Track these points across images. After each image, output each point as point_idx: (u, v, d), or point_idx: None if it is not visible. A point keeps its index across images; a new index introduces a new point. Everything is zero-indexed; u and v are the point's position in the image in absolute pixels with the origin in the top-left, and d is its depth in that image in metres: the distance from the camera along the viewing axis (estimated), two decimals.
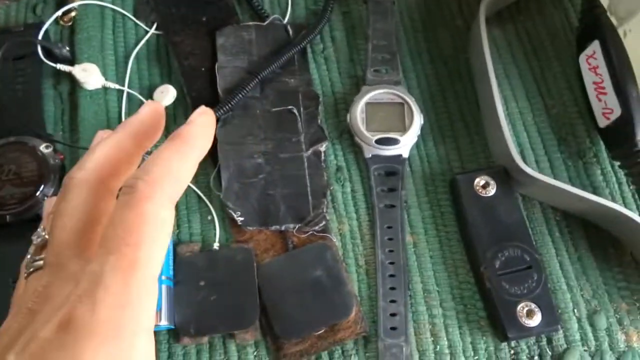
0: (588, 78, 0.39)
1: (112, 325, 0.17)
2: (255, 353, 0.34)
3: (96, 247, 0.19)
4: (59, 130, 0.40)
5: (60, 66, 0.39)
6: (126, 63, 0.41)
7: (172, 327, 0.33)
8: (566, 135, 0.39)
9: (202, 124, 0.21)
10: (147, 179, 0.19)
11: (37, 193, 0.35)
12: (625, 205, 0.37)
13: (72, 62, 0.40)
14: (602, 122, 0.37)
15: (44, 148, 0.37)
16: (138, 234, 0.18)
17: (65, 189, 0.21)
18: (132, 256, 0.18)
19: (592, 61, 0.38)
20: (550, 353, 0.33)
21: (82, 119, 0.39)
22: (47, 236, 0.21)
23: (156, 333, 0.34)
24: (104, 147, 0.21)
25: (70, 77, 0.40)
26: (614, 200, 0.37)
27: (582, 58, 0.39)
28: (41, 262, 0.21)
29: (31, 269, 0.21)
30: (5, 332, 0.18)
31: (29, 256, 0.22)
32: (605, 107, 0.37)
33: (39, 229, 0.23)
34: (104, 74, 0.40)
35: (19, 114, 0.38)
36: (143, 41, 0.42)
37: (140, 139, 0.22)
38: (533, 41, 0.42)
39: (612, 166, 0.38)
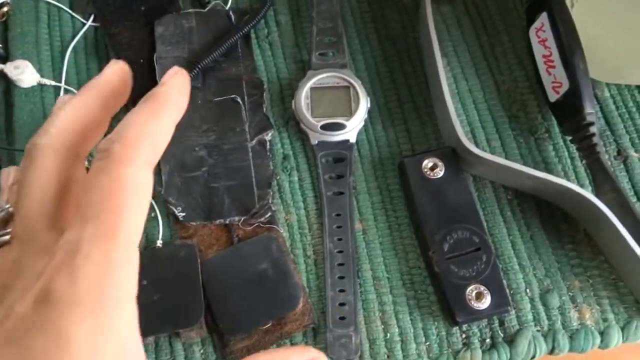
0: (538, 51, 0.38)
1: (95, 294, 0.16)
2: (202, 351, 0.33)
3: (70, 216, 0.18)
4: None
5: None
6: (63, 58, 0.40)
7: None
8: (517, 112, 0.38)
9: (176, 84, 0.20)
10: (123, 141, 0.17)
11: None
12: (578, 180, 0.36)
13: (6, 59, 0.39)
14: (552, 97, 0.36)
15: None
16: (117, 199, 0.17)
17: (29, 156, 0.19)
18: (112, 222, 0.17)
19: (541, 34, 0.37)
20: (502, 335, 0.33)
21: (18, 119, 0.37)
22: (11, 209, 0.20)
23: None
24: (69, 110, 0.20)
25: (4, 75, 0.38)
26: (566, 175, 0.37)
27: (532, 31, 0.38)
28: (7, 237, 0.19)
29: None
30: None
31: None
32: (555, 80, 0.36)
33: (0, 203, 0.21)
34: (40, 70, 0.39)
35: None
36: (80, 34, 0.40)
37: (107, 100, 0.20)
38: (483, 16, 0.41)
39: (564, 141, 0.37)
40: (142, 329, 0.33)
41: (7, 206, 0.20)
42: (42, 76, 0.39)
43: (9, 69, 0.38)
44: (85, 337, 0.15)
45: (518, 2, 0.41)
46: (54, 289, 0.16)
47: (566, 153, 0.37)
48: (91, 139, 0.20)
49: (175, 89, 0.20)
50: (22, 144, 0.37)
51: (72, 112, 0.20)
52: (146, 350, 0.33)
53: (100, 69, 0.39)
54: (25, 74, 0.38)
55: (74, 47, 0.40)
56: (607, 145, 0.37)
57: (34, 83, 0.38)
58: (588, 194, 0.32)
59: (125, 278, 0.17)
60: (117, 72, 0.21)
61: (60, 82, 0.39)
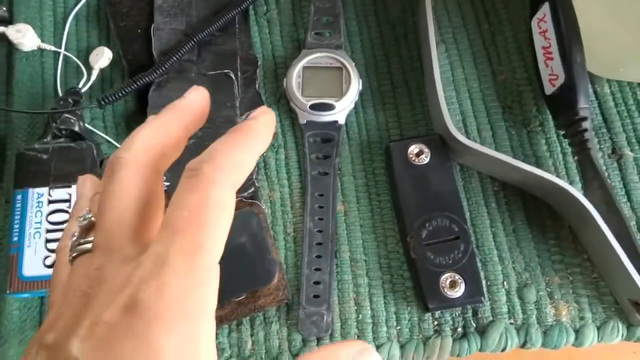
0: (538, 42, 0.37)
1: (180, 307, 0.16)
2: None
3: (156, 229, 0.19)
4: None
5: None
6: (64, 24, 0.40)
7: None
8: (512, 103, 0.37)
9: (264, 122, 0.21)
10: (213, 164, 0.18)
11: None
12: (568, 176, 0.36)
13: (10, 22, 0.40)
14: (549, 89, 0.36)
15: None
16: (204, 217, 0.17)
17: (112, 169, 0.20)
18: (198, 239, 0.17)
19: (542, 24, 0.36)
20: (474, 325, 0.33)
21: (17, 81, 0.38)
22: (93, 218, 0.20)
23: None
24: (152, 128, 0.21)
25: (6, 38, 0.39)
26: (556, 171, 0.36)
27: (534, 21, 0.37)
28: (89, 245, 0.20)
29: (76, 253, 0.20)
30: (59, 318, 0.18)
31: (74, 238, 0.21)
32: (552, 73, 0.35)
33: (84, 211, 0.21)
34: (41, 35, 0.40)
35: None
36: (82, 2, 0.41)
37: (187, 123, 0.22)
38: (485, 3, 0.40)
39: (558, 136, 0.37)
40: None
41: (89, 215, 0.21)
42: (42, 41, 0.39)
43: (11, 32, 0.38)
44: (173, 348, 0.16)
45: None
46: (141, 299, 0.16)
47: (558, 148, 0.36)
48: (170, 157, 0.22)
49: (262, 126, 0.21)
50: (21, 106, 0.38)
51: (155, 131, 0.21)
52: None
53: (99, 37, 0.40)
54: (26, 37, 0.38)
55: (75, 14, 0.41)
56: (602, 143, 0.36)
57: (34, 47, 0.39)
58: (574, 190, 0.32)
59: (208, 295, 0.17)
60: (199, 98, 0.23)
61: (60, 47, 0.40)
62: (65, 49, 0.40)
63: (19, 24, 0.39)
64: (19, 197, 0.34)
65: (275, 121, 0.22)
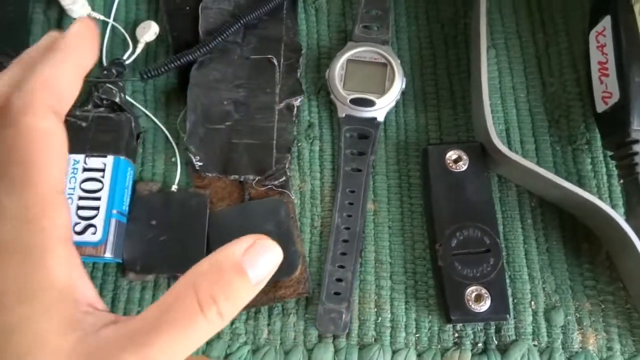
0: (594, 57, 0.35)
1: (18, 243, 0.16)
2: None
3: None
4: None
5: None
6: None
7: (120, 261, 0.34)
8: (559, 118, 0.36)
9: (76, 33, 0.20)
10: (20, 93, 0.18)
11: None
12: (611, 200, 0.34)
13: None
14: (600, 107, 0.34)
15: None
16: (23, 151, 0.17)
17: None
18: (23, 175, 0.17)
19: (601, 38, 0.35)
20: (496, 342, 0.32)
21: None
22: None
23: (104, 265, 0.34)
24: (6, 72, 0.20)
25: (59, 4, 0.40)
26: (599, 192, 0.34)
27: (592, 35, 0.36)
28: None
29: None
30: None
31: None
32: (606, 90, 0.34)
33: None
34: (92, 4, 0.40)
35: (5, 36, 0.39)
36: None
37: (79, 60, 0.20)
38: (543, 12, 0.38)
39: (605, 156, 0.35)
40: (144, 266, 0.34)
41: None
42: (93, 9, 0.40)
43: None
44: (12, 282, 0.16)
45: (585, 1, 0.38)
46: None
47: (604, 169, 0.35)
48: (66, 100, 0.20)
49: (74, 38, 0.20)
50: None
51: (48, 71, 0.19)
52: (145, 288, 0.34)
53: (148, 10, 0.40)
54: (76, 4, 0.39)
55: None
56: None
57: (84, 15, 0.39)
58: (616, 214, 0.30)
59: (50, 224, 0.17)
60: (84, 29, 0.21)
61: (109, 18, 0.40)
62: (114, 20, 0.40)
63: None
64: None
65: (96, 29, 0.20)
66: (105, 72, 0.36)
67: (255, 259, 0.19)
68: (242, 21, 0.37)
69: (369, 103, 0.36)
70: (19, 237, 0.16)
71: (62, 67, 0.19)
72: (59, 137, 0.18)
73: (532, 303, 0.32)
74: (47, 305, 0.16)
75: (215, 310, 0.17)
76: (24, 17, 0.40)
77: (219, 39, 0.37)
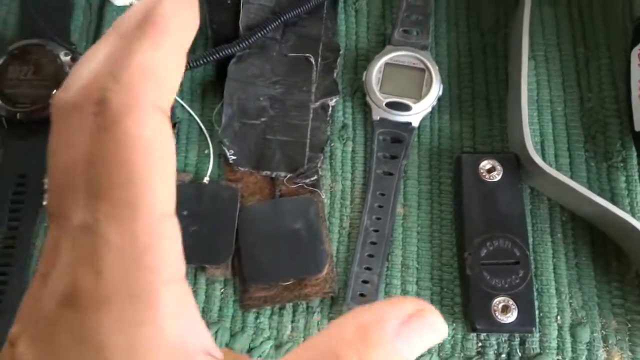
0: (635, 75, 0.35)
1: (123, 288, 0.13)
2: (222, 290, 0.34)
3: (83, 194, 0.15)
4: (83, 41, 0.40)
5: None
6: None
7: None
8: (596, 133, 0.36)
9: (170, 4, 0.15)
10: (118, 87, 0.14)
11: (49, 98, 0.37)
12: None
13: None
14: (638, 126, 0.34)
15: (63, 55, 0.37)
16: (125, 166, 0.13)
17: (53, 119, 0.15)
18: (127, 197, 0.13)
19: None
20: (520, 354, 0.32)
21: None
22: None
23: None
24: (91, 55, 0.15)
25: None
26: (632, 211, 0.34)
27: (635, 52, 0.35)
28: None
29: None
30: (23, 305, 0.15)
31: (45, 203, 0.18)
32: None
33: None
34: None
35: (48, 20, 0.39)
36: None
37: (182, 35, 0.15)
38: (585, 26, 0.38)
39: None
40: None
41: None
42: None
43: None
44: (120, 339, 0.13)
45: (627, 18, 0.38)
46: (78, 286, 0.13)
47: (638, 188, 0.34)
48: (169, 87, 0.15)
49: (171, 6, 0.15)
50: None
51: (96, 55, 0.15)
52: None
53: None
54: None
55: None
56: None
57: (127, 3, 0.40)
58: None
59: (161, 261, 0.14)
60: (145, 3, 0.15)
61: None
62: None
63: None
64: None
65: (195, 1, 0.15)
66: None
67: (411, 337, 0.15)
68: (282, 18, 0.38)
69: (405, 107, 0.36)
70: (125, 278, 0.13)
71: (163, 48, 0.14)
72: (167, 144, 0.14)
73: (559, 317, 0.32)
74: None
75: None
76: (67, 2, 0.40)
77: (259, 34, 0.37)
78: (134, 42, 0.14)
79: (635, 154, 0.35)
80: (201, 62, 0.36)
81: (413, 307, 0.15)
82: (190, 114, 0.38)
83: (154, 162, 0.13)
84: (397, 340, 0.15)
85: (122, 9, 0.40)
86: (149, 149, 0.13)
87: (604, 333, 0.32)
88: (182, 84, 0.38)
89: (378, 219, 0.35)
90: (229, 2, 0.39)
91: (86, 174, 0.14)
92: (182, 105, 0.38)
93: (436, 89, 0.36)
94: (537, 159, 0.32)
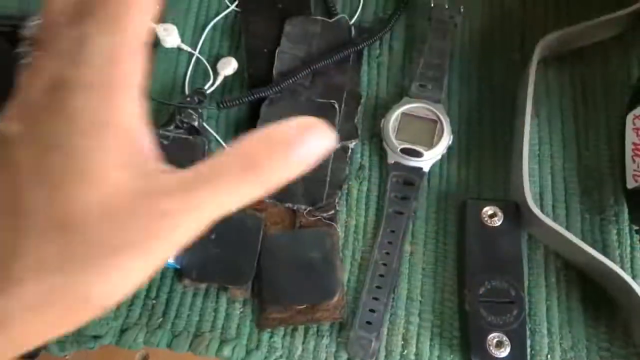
0: (629, 137, 0.38)
1: (102, 81, 0.17)
2: (241, 309, 0.37)
3: (74, 16, 0.18)
4: None
5: None
6: (203, 31, 0.46)
7: (178, 267, 0.38)
8: (591, 189, 0.39)
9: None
10: None
11: None
12: (633, 270, 0.37)
13: (158, 19, 0.46)
14: (631, 184, 0.37)
15: None
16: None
17: None
18: (115, 16, 0.17)
19: (637, 122, 0.38)
20: None
21: (154, 73, 0.44)
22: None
23: (163, 269, 0.39)
24: None
25: (154, 33, 0.45)
26: (622, 263, 0.37)
27: (630, 117, 0.39)
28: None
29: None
30: (15, 96, 0.18)
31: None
32: (637, 169, 0.37)
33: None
34: (182, 36, 0.45)
35: None
36: (222, 14, 0.46)
37: None
38: (586, 90, 0.42)
39: (630, 230, 0.38)
40: (199, 275, 0.38)
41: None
42: (182, 41, 0.45)
43: (159, 29, 0.44)
44: (90, 112, 0.17)
45: (626, 85, 0.42)
46: (64, 76, 0.17)
47: (628, 241, 0.37)
48: None
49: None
50: (152, 94, 0.43)
51: None
52: (196, 295, 0.38)
53: (230, 47, 0.45)
54: (170, 36, 0.44)
55: (214, 24, 0.46)
56: None
57: (174, 45, 0.45)
58: (635, 284, 0.33)
59: (130, 69, 0.17)
60: None
61: (195, 50, 0.45)
62: (199, 53, 0.45)
63: (167, 24, 0.45)
64: None
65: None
66: (188, 98, 0.41)
67: (306, 139, 0.19)
68: (311, 67, 0.42)
69: (418, 154, 0.39)
70: (102, 73, 0.17)
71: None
72: None
73: (549, 356, 0.35)
74: (110, 140, 0.17)
75: (259, 176, 0.18)
76: None
77: (290, 80, 0.42)
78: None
79: (626, 209, 0.38)
80: (237, 102, 0.41)
81: (307, 120, 0.20)
82: (224, 148, 0.42)
83: None
84: (294, 141, 0.19)
85: (170, 51, 0.45)
86: None
87: None
88: (218, 121, 0.43)
89: (387, 253, 0.38)
90: (265, 50, 0.44)
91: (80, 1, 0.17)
92: (218, 140, 0.42)
93: (447, 139, 0.40)
94: (535, 209, 0.36)
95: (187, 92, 0.43)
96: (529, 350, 0.35)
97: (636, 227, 0.37)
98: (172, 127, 0.40)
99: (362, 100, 0.43)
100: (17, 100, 0.18)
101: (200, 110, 0.41)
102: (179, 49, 0.45)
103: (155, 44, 0.45)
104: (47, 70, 0.17)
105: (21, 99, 0.18)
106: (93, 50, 0.17)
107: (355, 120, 0.42)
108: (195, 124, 0.40)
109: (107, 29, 0.17)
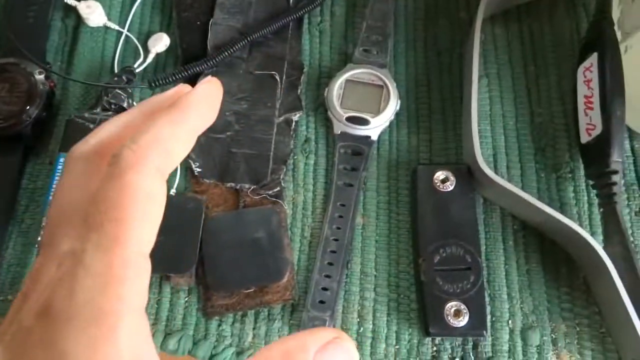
0: (581, 91, 0.37)
1: (92, 308, 0.15)
2: (186, 299, 0.35)
3: (77, 226, 0.17)
4: (58, 60, 0.42)
5: (67, 0, 0.41)
6: (131, 7, 0.43)
7: None
8: (545, 146, 0.38)
9: (203, 93, 0.19)
10: (134, 147, 0.17)
11: (22, 114, 0.38)
12: (591, 227, 0.35)
13: None
14: (584, 138, 0.36)
15: (37, 74, 0.39)
16: (121, 208, 0.16)
17: (65, 165, 0.20)
18: (115, 233, 0.16)
19: (587, 74, 0.37)
20: (472, 357, 0.33)
21: (79, 53, 0.41)
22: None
23: None
24: (112, 122, 0.20)
25: (77, 12, 0.42)
26: (580, 220, 0.36)
27: (580, 69, 0.37)
28: None
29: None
30: (6, 317, 0.17)
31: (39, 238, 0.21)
32: (590, 122, 0.35)
33: None
34: (109, 14, 0.42)
35: (25, 39, 0.41)
36: None
37: (198, 121, 0.20)
38: (535, 46, 0.40)
39: (587, 186, 0.36)
40: None
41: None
42: (109, 19, 0.42)
43: (82, 7, 0.41)
44: (82, 353, 0.15)
45: (575, 39, 0.40)
46: (54, 301, 0.16)
47: (585, 197, 0.36)
48: (175, 156, 0.19)
49: (199, 98, 0.19)
50: (78, 76, 0.40)
51: (116, 124, 0.20)
52: None
53: (161, 23, 0.42)
54: (94, 14, 0.41)
55: None
56: (632, 200, 0.36)
57: (100, 24, 0.42)
58: (594, 241, 0.32)
59: (129, 291, 0.16)
60: (174, 92, 0.20)
61: (123, 28, 0.42)
62: (128, 30, 0.42)
63: (90, 1, 0.41)
64: (61, 160, 0.36)
65: (221, 92, 0.20)
66: (115, 78, 0.38)
67: None
68: (249, 38, 0.39)
69: (364, 122, 0.37)
70: (96, 299, 0.16)
71: (180, 128, 0.18)
72: (160, 199, 0.17)
73: (510, 322, 0.34)
74: None
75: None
76: (44, 23, 0.42)
77: (226, 53, 0.39)
78: (157, 117, 0.18)
79: (582, 165, 0.37)
80: (170, 79, 0.38)
81: (331, 335, 0.18)
82: None
83: (145, 210, 0.17)
84: None
85: (96, 31, 0.42)
86: (144, 200, 0.17)
87: (554, 337, 0.33)
88: None
89: (338, 228, 0.36)
90: (198, 23, 0.41)
91: (85, 210, 0.17)
92: None
93: (394, 104, 0.38)
94: (488, 171, 0.34)
95: (115, 72, 0.40)
96: (489, 317, 0.33)
97: (592, 182, 0.35)
98: (98, 110, 0.37)
99: (305, 70, 0.40)
100: (8, 320, 0.17)
101: (130, 90, 0.38)
102: (106, 27, 0.42)
103: (79, 24, 0.42)
104: (44, 280, 0.17)
105: (13, 320, 0.17)
106: (87, 271, 0.16)
107: (299, 92, 0.40)
108: (125, 104, 0.37)
109: (104, 245, 0.16)
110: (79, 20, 0.42)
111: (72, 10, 0.43)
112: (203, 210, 0.36)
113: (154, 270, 0.35)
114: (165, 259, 0.35)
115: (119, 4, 0.43)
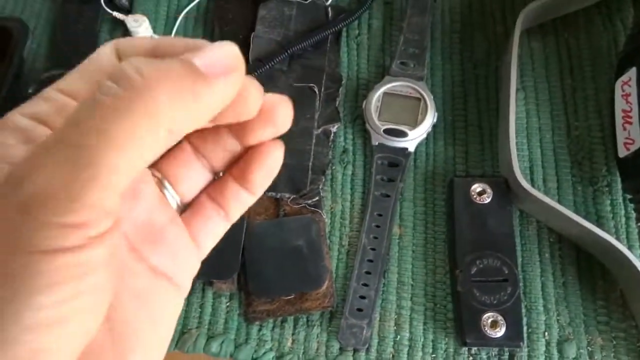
0: (619, 105, 0.37)
1: None
2: (228, 304, 0.36)
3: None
4: None
5: (115, 14, 0.43)
6: (175, 21, 0.44)
7: None
8: (582, 160, 0.38)
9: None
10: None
11: None
12: (629, 241, 0.36)
13: (129, 11, 0.44)
14: (622, 152, 0.36)
15: None
16: None
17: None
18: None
19: (626, 88, 0.37)
20: None
21: None
22: None
23: None
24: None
25: (125, 25, 0.44)
26: (617, 234, 0.36)
27: (618, 83, 0.38)
28: None
29: None
30: None
31: None
32: (628, 137, 0.36)
33: None
34: (154, 27, 0.44)
35: (74, 50, 0.43)
36: (194, 2, 0.45)
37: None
38: (572, 59, 0.41)
39: (624, 199, 0.37)
40: None
41: None
42: (154, 32, 0.44)
43: (129, 20, 0.43)
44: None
45: (613, 52, 0.41)
46: None
47: (622, 211, 0.36)
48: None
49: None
50: None
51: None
52: None
53: (203, 37, 0.43)
54: (141, 27, 0.43)
55: (186, 13, 0.45)
56: None
57: (148, 35, 0.43)
58: (631, 255, 0.32)
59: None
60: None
61: None
62: None
63: (137, 15, 0.43)
64: None
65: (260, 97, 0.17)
66: None
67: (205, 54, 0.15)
68: (288, 51, 0.41)
69: (402, 134, 0.38)
70: None
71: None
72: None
73: (546, 334, 0.34)
74: None
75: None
76: (93, 35, 0.44)
77: (267, 65, 0.40)
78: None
79: (619, 178, 0.37)
80: None
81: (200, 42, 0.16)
82: None
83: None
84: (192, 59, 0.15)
85: None
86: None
87: (590, 349, 0.34)
88: None
89: (375, 238, 0.37)
90: (240, 37, 0.43)
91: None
92: None
93: (431, 117, 0.39)
94: (525, 184, 0.34)
95: None
96: (525, 328, 0.34)
97: (629, 196, 0.35)
98: None
99: (343, 82, 0.41)
100: None
101: None
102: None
103: (125, 36, 0.44)
104: None
105: None
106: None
107: (337, 103, 0.41)
108: None
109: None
110: (126, 33, 0.44)
111: (119, 24, 0.44)
112: (245, 218, 0.37)
113: (198, 275, 0.36)
114: (208, 266, 0.36)
115: (164, 18, 0.45)
